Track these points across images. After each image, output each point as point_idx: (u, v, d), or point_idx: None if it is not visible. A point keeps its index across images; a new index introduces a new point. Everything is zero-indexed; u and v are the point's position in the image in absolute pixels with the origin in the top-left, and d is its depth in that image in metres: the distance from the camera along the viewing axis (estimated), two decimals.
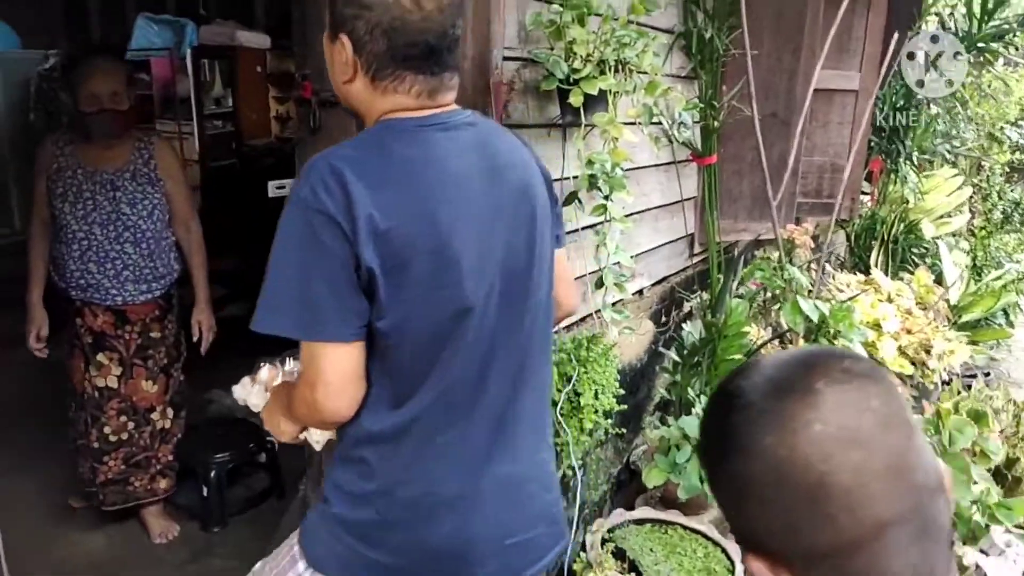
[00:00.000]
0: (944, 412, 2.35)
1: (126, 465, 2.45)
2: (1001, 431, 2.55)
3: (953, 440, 2.28)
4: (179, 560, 2.51)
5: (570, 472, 2.01)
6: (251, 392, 1.34)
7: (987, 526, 2.10)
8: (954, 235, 4.91)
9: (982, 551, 2.07)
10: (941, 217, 4.49)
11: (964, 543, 2.09)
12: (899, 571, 0.58)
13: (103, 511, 2.52)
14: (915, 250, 4.37)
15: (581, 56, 1.81)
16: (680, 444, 2.22)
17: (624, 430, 2.40)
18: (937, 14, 4.75)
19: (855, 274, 3.84)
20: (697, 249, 3.08)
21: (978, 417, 2.40)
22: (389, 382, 1.09)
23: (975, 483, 2.15)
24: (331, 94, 2.00)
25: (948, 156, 4.67)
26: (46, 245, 2.38)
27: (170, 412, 2.52)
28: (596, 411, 2.00)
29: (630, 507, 2.41)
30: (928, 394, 3.18)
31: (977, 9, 4.16)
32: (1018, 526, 2.11)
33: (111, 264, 2.32)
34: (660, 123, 2.12)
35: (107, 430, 2.41)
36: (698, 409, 2.35)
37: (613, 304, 2.04)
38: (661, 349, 2.81)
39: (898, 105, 4.02)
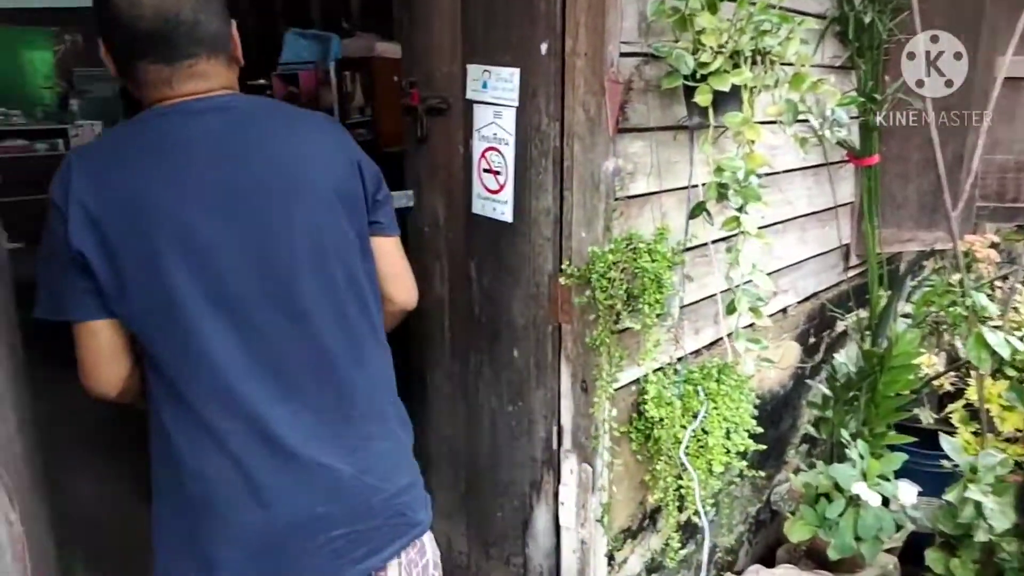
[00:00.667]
0: None
1: None
2: None
3: None
4: None
5: (696, 518, 1.78)
6: None
7: None
8: None
9: None
10: None
11: None
12: None
13: None
14: None
15: (711, 48, 1.59)
16: (831, 495, 1.91)
17: (762, 470, 2.13)
18: None
19: None
20: (854, 261, 2.72)
21: None
22: (155, 374, 1.12)
23: None
24: (439, 101, 1.90)
25: None
26: None
27: None
28: (727, 451, 1.76)
29: (770, 557, 2.13)
30: None
31: None
32: None
33: None
34: (807, 121, 1.84)
35: None
36: (854, 455, 2.02)
37: (746, 328, 1.79)
38: (808, 381, 2.49)
39: None
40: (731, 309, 1.71)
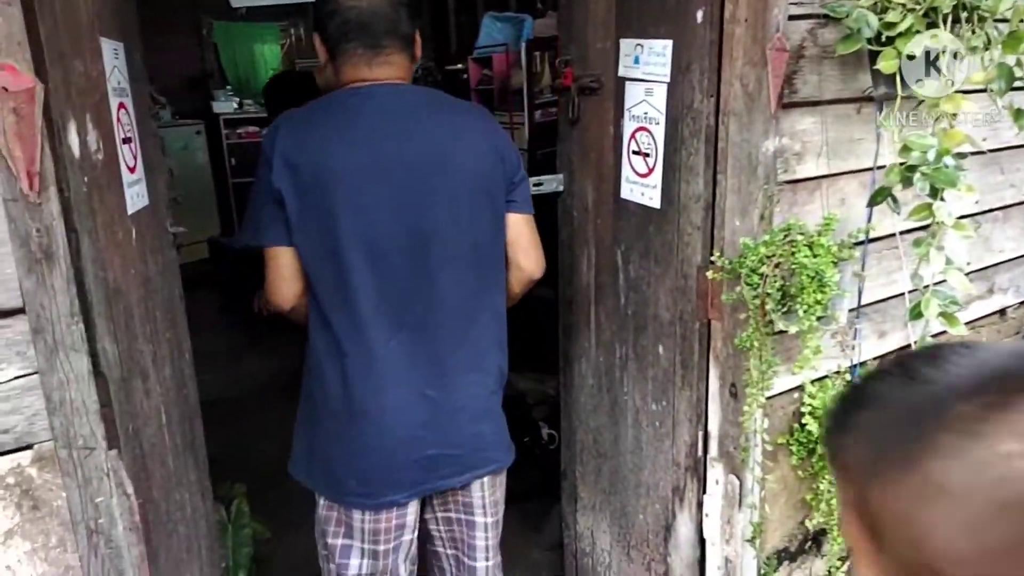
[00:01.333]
0: None
1: None
2: None
3: None
4: None
5: None
6: None
7: None
8: None
9: None
10: None
11: None
12: None
13: None
14: None
15: (901, 5, 1.35)
16: None
17: None
18: None
19: None
20: None
21: None
22: (313, 303, 1.39)
23: None
24: (591, 79, 1.80)
25: None
26: None
27: None
28: None
29: None
30: None
31: None
32: None
33: None
34: None
35: None
36: None
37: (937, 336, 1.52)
38: None
39: None
40: (916, 313, 1.46)
